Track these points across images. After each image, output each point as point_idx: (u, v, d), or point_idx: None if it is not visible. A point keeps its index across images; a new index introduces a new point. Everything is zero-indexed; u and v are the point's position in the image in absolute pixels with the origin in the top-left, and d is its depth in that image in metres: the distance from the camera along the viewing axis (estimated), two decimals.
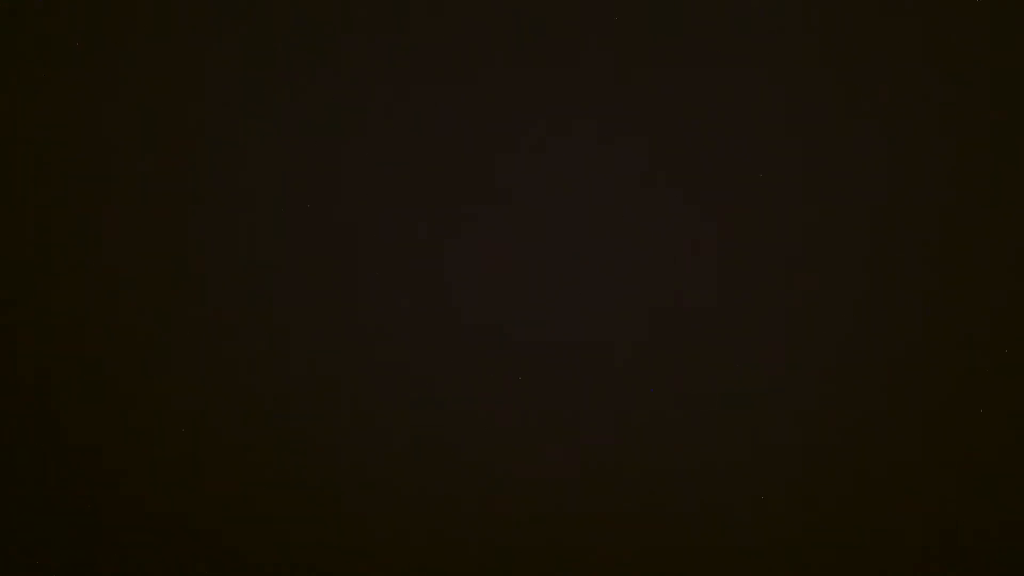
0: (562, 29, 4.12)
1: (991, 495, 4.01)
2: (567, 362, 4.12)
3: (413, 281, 4.14)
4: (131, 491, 4.12)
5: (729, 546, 4.05)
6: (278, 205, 4.14)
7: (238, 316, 4.14)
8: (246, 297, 4.14)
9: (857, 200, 4.08)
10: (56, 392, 4.13)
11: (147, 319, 4.14)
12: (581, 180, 4.14)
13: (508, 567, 4.07)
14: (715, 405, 4.09)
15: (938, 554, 4.02)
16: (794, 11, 4.08)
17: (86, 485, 4.12)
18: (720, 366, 4.09)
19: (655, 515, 4.07)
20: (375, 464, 4.12)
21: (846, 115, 4.09)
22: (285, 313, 4.14)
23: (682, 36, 4.10)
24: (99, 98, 4.16)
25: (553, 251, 4.14)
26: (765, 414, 4.07)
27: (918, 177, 4.08)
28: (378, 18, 4.14)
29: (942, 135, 4.07)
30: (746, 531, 4.05)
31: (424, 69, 4.14)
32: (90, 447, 4.12)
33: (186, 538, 4.10)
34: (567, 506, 4.09)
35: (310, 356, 4.12)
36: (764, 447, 4.06)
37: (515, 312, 4.13)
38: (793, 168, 4.10)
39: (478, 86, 4.14)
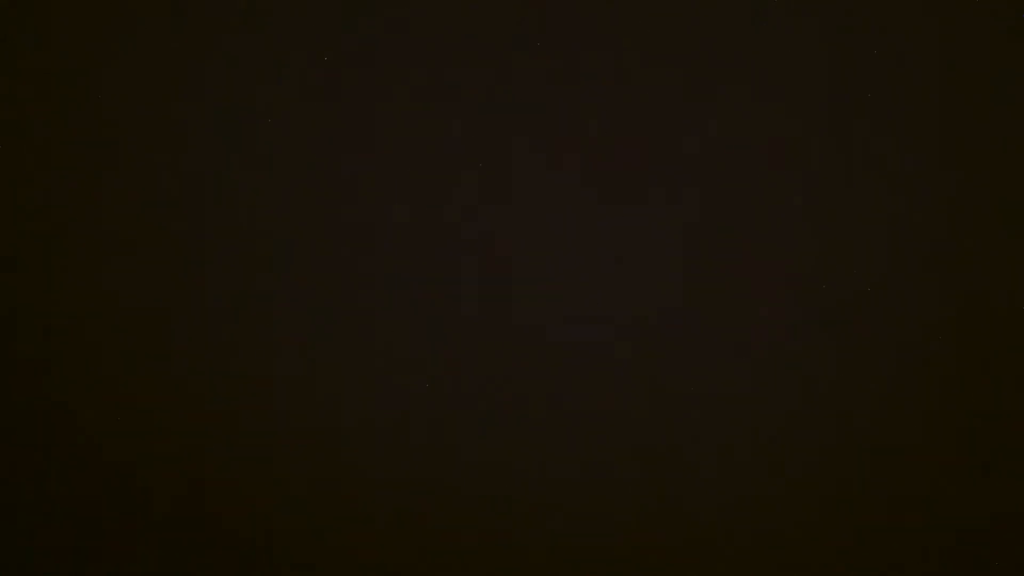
0: (574, 27, 4.13)
1: (991, 495, 4.02)
2: (566, 362, 4.13)
3: (413, 281, 4.15)
4: (130, 490, 4.12)
5: (730, 547, 4.06)
6: (288, 203, 4.14)
7: (240, 316, 4.14)
8: (256, 299, 4.15)
9: (854, 203, 4.09)
10: (55, 391, 4.13)
11: (150, 317, 4.14)
12: (583, 178, 4.14)
13: (508, 567, 4.08)
14: (715, 405, 4.09)
15: (937, 554, 4.03)
16: (789, 19, 4.09)
17: (85, 484, 4.11)
18: (721, 367, 4.09)
19: (655, 515, 4.08)
20: (374, 463, 4.13)
21: (844, 122, 4.10)
22: (285, 313, 4.14)
23: (684, 43, 4.11)
24: (101, 96, 4.15)
25: (552, 250, 4.15)
26: (767, 415, 4.08)
27: (914, 180, 4.09)
28: (390, 15, 4.15)
29: (936, 140, 4.08)
30: (747, 532, 4.06)
31: (441, 66, 4.14)
32: (89, 446, 4.12)
33: (186, 537, 4.10)
34: (566, 506, 4.10)
35: (312, 354, 4.13)
36: (765, 447, 4.07)
37: (515, 312, 4.14)
38: (789, 171, 4.11)
39: (475, 89, 4.15)
